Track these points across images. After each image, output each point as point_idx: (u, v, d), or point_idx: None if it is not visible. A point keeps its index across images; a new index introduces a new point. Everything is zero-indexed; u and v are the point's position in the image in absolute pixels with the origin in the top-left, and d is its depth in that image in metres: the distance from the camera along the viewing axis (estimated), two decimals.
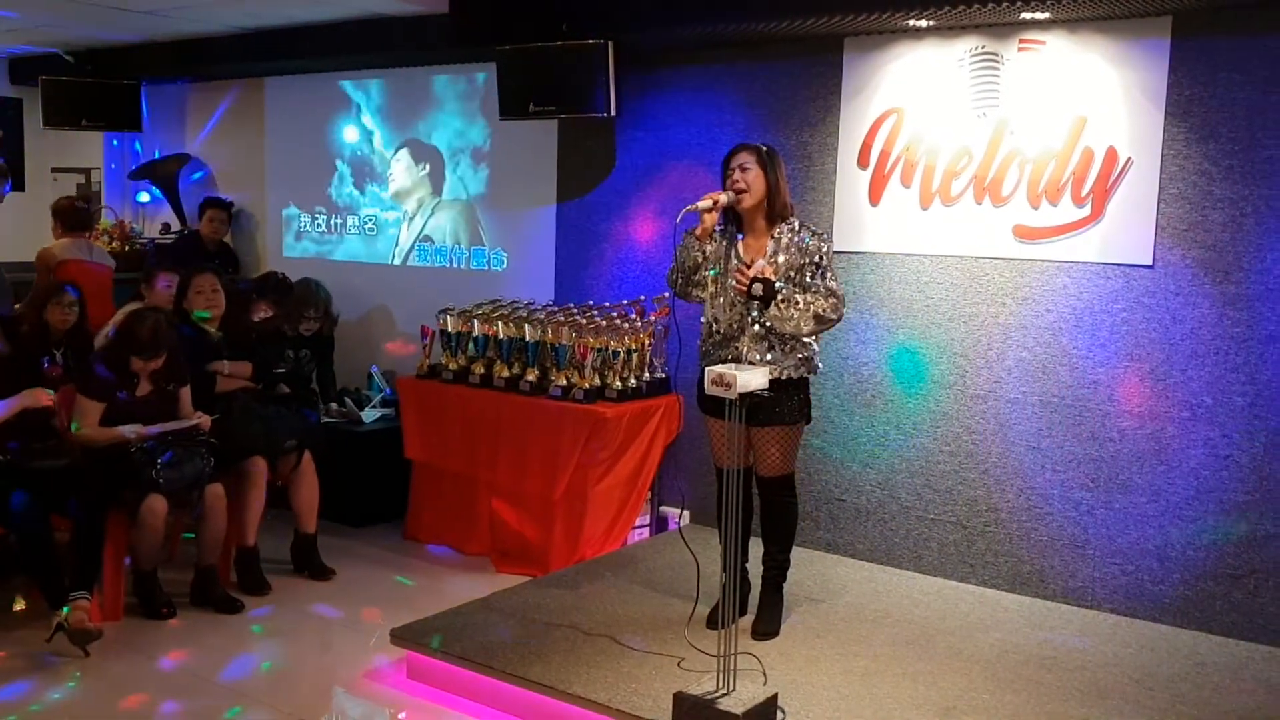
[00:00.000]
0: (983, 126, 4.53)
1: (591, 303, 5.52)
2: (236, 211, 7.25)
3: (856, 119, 4.83)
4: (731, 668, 3.26)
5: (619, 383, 5.08)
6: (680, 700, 3.26)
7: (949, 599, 4.47)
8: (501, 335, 5.30)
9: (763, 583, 4.07)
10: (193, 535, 4.71)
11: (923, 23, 4.49)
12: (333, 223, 6.94)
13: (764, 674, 3.58)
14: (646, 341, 5.25)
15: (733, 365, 3.43)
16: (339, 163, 6.88)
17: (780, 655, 3.80)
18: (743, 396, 3.28)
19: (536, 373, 5.18)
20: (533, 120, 5.54)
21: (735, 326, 3.85)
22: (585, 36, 5.11)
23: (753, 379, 3.30)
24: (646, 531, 5.40)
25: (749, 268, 3.75)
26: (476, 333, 5.40)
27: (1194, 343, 4.17)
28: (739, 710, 3.16)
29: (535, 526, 5.08)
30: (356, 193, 6.80)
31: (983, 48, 4.52)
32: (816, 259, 3.82)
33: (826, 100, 4.92)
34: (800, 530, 4.90)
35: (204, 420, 4.62)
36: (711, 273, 3.85)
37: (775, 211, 3.86)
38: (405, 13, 5.67)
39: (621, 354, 5.10)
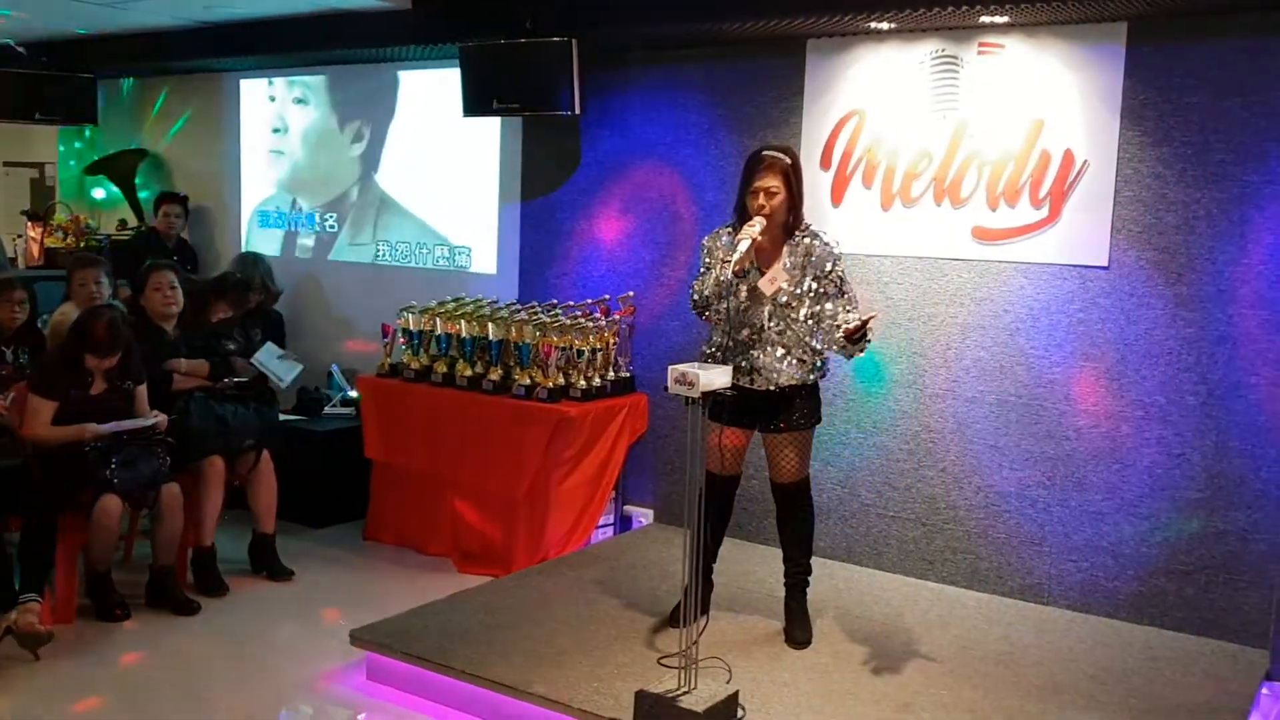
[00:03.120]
0: (943, 128, 4.57)
1: (556, 301, 5.52)
2: (194, 207, 7.16)
3: (819, 120, 4.86)
4: (693, 665, 3.28)
5: (583, 382, 5.08)
6: (641, 699, 3.27)
7: (908, 596, 4.52)
8: (464, 334, 5.28)
9: (789, 590, 4.04)
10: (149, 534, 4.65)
11: (884, 25, 4.53)
12: (293, 219, 6.88)
13: (729, 671, 3.59)
14: (611, 340, 5.26)
15: (696, 365, 3.42)
16: (299, 159, 6.82)
17: (741, 653, 3.82)
18: (705, 395, 3.29)
19: (500, 371, 5.17)
20: (497, 117, 5.52)
21: (749, 334, 3.81)
22: (550, 34, 5.10)
23: (715, 378, 3.31)
24: (610, 531, 5.40)
25: (764, 274, 3.77)
26: (439, 331, 5.37)
27: (1148, 343, 4.24)
28: (700, 708, 3.17)
29: (498, 526, 5.06)
30: (317, 189, 6.75)
31: (943, 51, 4.56)
32: (836, 274, 3.82)
33: (789, 101, 4.94)
34: (761, 528, 4.95)
35: (160, 419, 4.56)
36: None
37: (793, 222, 3.84)
38: (368, 8, 5.63)
39: (586, 353, 5.10)
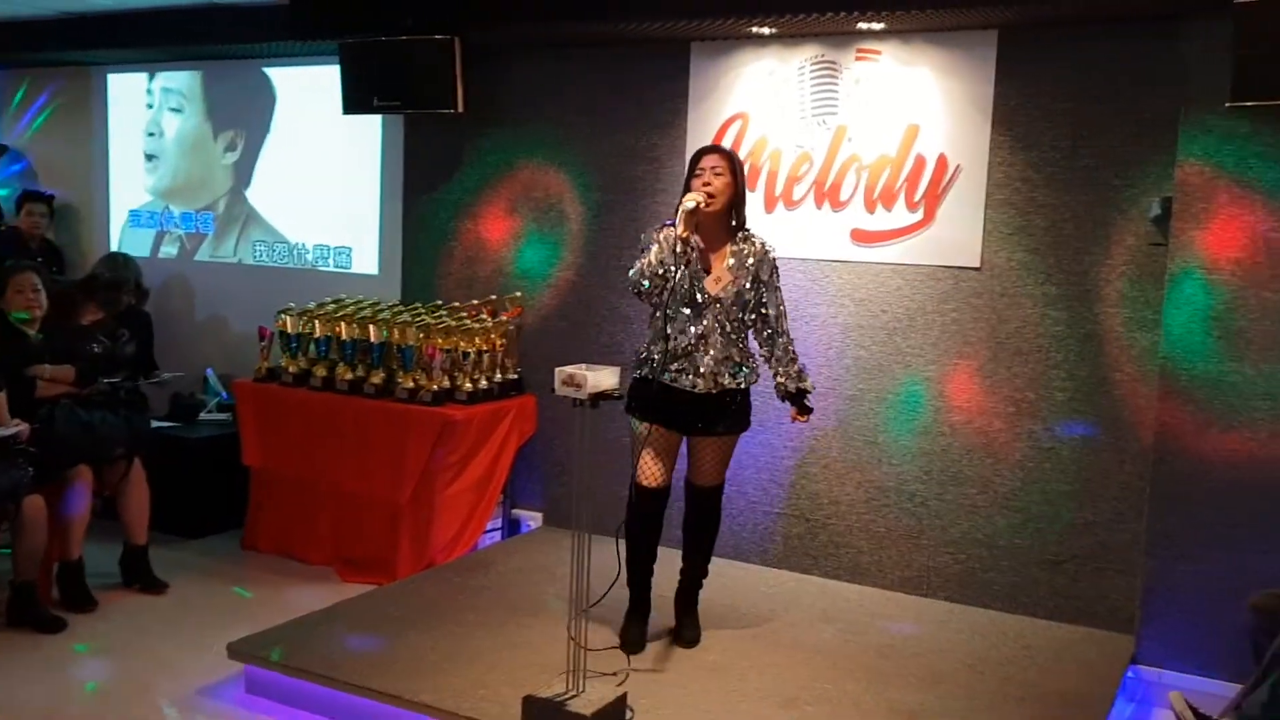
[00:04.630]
0: (823, 133, 4.66)
1: (441, 302, 5.44)
2: (60, 206, 6.86)
3: (704, 122, 4.90)
4: (581, 668, 3.27)
5: (469, 384, 5.02)
6: (529, 704, 3.25)
7: (793, 591, 4.59)
8: (345, 336, 5.17)
9: (683, 590, 4.03)
10: (9, 550, 4.43)
11: (765, 30, 4.59)
12: (164, 218, 6.65)
13: (628, 660, 3.63)
14: (498, 342, 5.21)
15: (584, 366, 3.40)
16: (171, 156, 6.59)
17: (642, 650, 3.82)
18: (593, 396, 3.28)
19: (382, 375, 5.07)
20: (378, 115, 5.43)
21: (695, 341, 3.74)
22: (431, 31, 5.03)
23: (604, 379, 3.30)
24: (499, 535, 5.35)
25: (709, 275, 3.74)
26: (318, 334, 5.24)
27: (1018, 341, 4.38)
28: (588, 711, 3.17)
29: (381, 533, 4.97)
30: (189, 187, 6.53)
31: (822, 56, 4.65)
32: (774, 282, 3.82)
33: (674, 103, 4.97)
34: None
35: (23, 428, 4.35)
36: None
37: (737, 221, 3.82)
38: (244, 2, 5.47)
39: (472, 355, 5.04)
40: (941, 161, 4.45)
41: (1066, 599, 4.33)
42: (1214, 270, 3.88)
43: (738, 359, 3.81)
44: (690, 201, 3.65)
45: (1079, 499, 4.31)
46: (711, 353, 3.76)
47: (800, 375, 3.85)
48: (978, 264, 4.42)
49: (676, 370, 3.75)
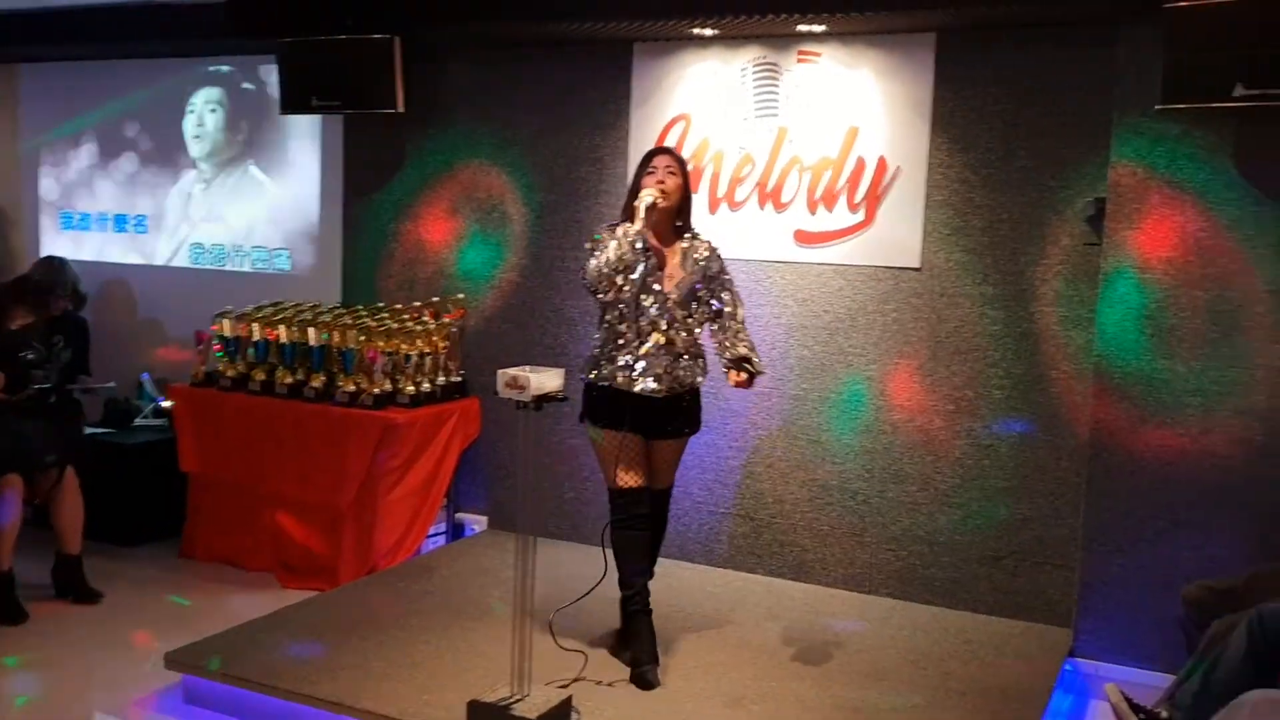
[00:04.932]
0: (765, 134, 4.68)
1: (382, 305, 5.39)
2: None
3: (647, 123, 4.90)
4: (527, 672, 3.26)
5: (411, 387, 4.98)
6: (474, 709, 3.23)
7: (738, 590, 4.61)
8: (284, 339, 5.10)
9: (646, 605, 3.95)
10: None
11: (707, 31, 4.61)
12: (98, 221, 6.51)
13: (585, 658, 3.64)
14: (441, 344, 5.17)
15: (527, 368, 3.38)
16: (105, 157, 6.45)
17: (575, 655, 3.80)
18: (537, 398, 3.27)
19: (323, 378, 5.01)
20: (318, 115, 5.36)
21: (651, 341, 3.72)
22: (371, 31, 4.97)
23: (547, 380, 3.29)
24: (443, 539, 5.31)
25: (662, 270, 3.73)
26: (257, 337, 5.17)
27: (957, 340, 4.44)
28: (533, 715, 3.16)
29: (323, 538, 4.91)
30: (124, 189, 6.40)
31: (764, 58, 4.67)
32: (724, 277, 3.84)
33: (617, 104, 4.97)
34: (597, 529, 4.94)
35: None
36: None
37: (684, 221, 3.84)
38: (180, 0, 5.38)
39: (414, 357, 5.00)
40: (881, 163, 4.50)
41: (1005, 594, 4.40)
42: (1146, 269, 3.97)
43: (691, 356, 3.82)
44: (649, 196, 3.67)
45: (1017, 495, 4.38)
46: (668, 353, 3.76)
47: (750, 347, 3.77)
48: (918, 264, 4.48)
49: (635, 373, 3.73)
